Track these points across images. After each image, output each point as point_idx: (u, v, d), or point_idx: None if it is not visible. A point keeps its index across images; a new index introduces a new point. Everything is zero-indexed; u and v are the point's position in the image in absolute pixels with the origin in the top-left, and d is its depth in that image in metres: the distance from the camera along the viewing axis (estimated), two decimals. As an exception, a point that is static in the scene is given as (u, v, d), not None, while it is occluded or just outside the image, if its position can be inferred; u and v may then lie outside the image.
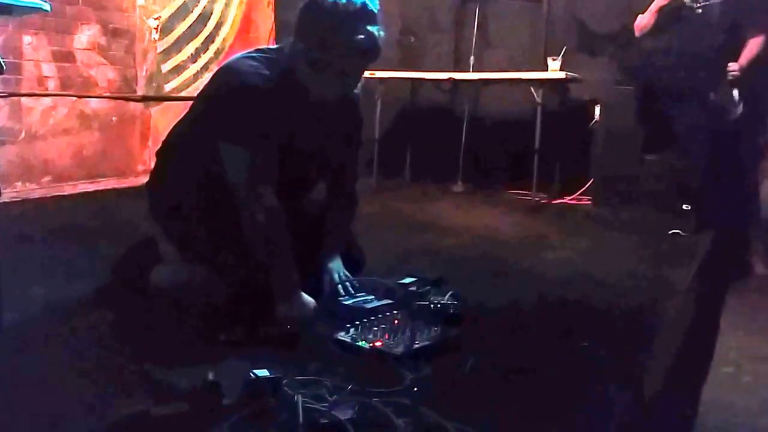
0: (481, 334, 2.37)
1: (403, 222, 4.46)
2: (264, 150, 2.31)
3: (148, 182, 2.66)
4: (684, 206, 4.50)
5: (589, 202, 5.42)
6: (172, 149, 2.59)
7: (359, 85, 2.54)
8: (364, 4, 2.26)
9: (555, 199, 5.56)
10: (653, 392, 2.42)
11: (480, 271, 3.29)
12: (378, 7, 2.30)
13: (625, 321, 2.67)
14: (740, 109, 4.22)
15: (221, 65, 2.48)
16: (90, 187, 5.25)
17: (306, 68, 2.33)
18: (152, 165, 2.72)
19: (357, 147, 2.76)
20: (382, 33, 2.30)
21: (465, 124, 6.07)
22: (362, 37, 2.25)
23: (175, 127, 2.63)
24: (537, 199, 5.46)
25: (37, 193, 4.90)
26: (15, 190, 4.79)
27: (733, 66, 4.26)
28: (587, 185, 5.43)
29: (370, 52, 2.32)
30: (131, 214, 3.54)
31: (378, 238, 3.37)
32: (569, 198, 5.55)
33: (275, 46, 2.49)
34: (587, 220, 4.93)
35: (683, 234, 4.26)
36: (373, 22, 2.27)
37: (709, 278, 3.68)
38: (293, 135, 2.43)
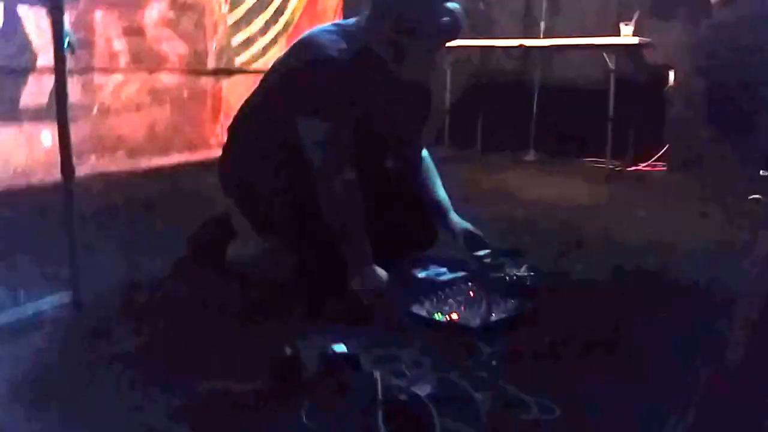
0: (558, 306, 2.33)
1: (475, 192, 4.41)
2: (343, 123, 2.30)
3: (220, 158, 2.67)
4: (762, 171, 4.34)
5: (665, 168, 5.29)
6: (245, 124, 2.58)
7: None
8: None
9: (630, 167, 5.43)
10: (735, 364, 2.35)
11: (555, 241, 3.23)
12: None
13: (706, 291, 2.60)
14: None
15: (299, 38, 2.47)
16: (163, 162, 5.30)
17: (385, 46, 2.32)
18: (224, 140, 2.71)
19: (426, 120, 2.74)
20: (459, 8, 2.27)
21: (536, 92, 5.97)
22: (446, 18, 2.24)
23: (247, 101, 2.63)
24: (611, 166, 5.36)
25: (112, 168, 4.96)
26: (89, 165, 4.87)
27: None
28: (662, 151, 5.29)
29: (453, 31, 2.31)
30: (205, 188, 3.57)
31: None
32: (644, 165, 5.41)
33: (352, 21, 2.46)
34: (663, 187, 4.82)
35: (764, 199, 4.12)
36: None
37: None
38: (369, 109, 2.41)
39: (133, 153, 5.23)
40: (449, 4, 2.25)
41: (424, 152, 2.77)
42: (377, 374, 1.63)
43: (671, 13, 5.37)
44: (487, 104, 6.24)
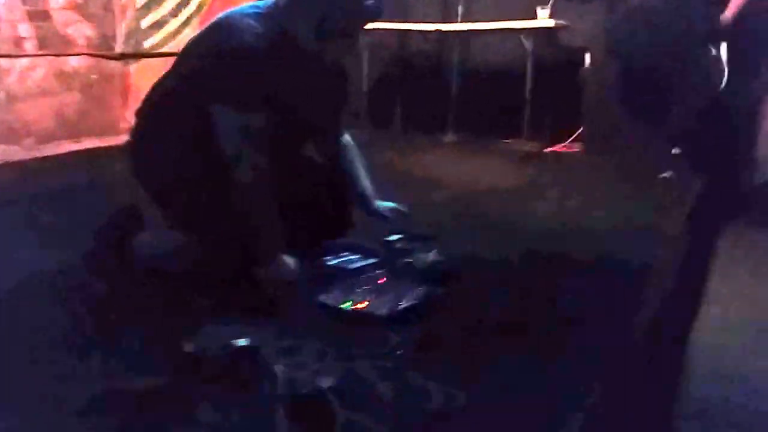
0: (469, 291, 2.33)
1: (392, 175, 4.38)
2: (257, 112, 2.23)
3: (128, 143, 2.58)
4: (674, 150, 4.43)
5: (581, 149, 5.35)
6: (155, 108, 2.49)
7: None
8: None
9: (546, 148, 5.48)
10: (643, 336, 2.41)
11: (468, 224, 3.23)
12: None
13: (619, 269, 2.64)
14: (726, 73, 4.11)
15: (214, 20, 2.38)
16: (73, 147, 5.15)
17: (305, 29, 2.27)
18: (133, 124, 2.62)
19: (343, 106, 2.70)
20: None
21: (455, 74, 5.97)
22: (369, 1, 2.21)
23: (156, 85, 2.52)
24: (527, 148, 5.40)
25: (20, 156, 4.80)
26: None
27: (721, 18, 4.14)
28: (577, 133, 5.36)
29: (375, 14, 2.30)
30: (115, 175, 3.47)
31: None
32: (560, 146, 5.47)
33: (271, 1, 2.37)
34: (578, 168, 4.88)
35: (673, 178, 4.22)
36: None
37: (701, 220, 3.65)
38: (286, 95, 2.34)
39: (42, 139, 5.08)
40: None
41: (349, 139, 2.72)
42: (279, 367, 1.60)
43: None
44: (406, 86, 6.23)
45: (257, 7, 2.37)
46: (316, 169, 2.68)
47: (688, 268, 3.17)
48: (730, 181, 4.09)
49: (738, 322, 2.73)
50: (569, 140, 5.42)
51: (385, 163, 4.67)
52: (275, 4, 2.34)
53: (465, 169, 4.77)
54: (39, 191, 3.73)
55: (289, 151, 2.55)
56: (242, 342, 1.69)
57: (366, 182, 2.67)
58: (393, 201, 2.67)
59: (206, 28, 2.41)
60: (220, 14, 2.40)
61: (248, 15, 2.30)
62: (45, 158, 4.80)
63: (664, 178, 4.24)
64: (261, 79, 2.22)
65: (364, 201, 2.65)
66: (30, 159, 4.72)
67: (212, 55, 2.27)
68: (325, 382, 1.58)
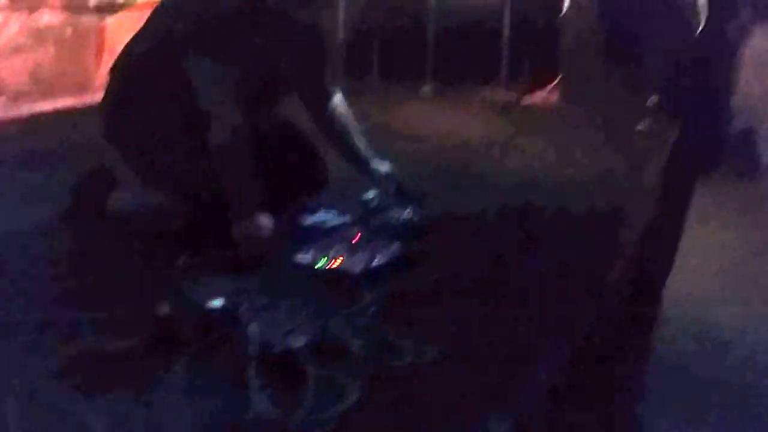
0: (444, 247, 2.35)
1: (370, 127, 4.37)
2: (231, 62, 2.23)
3: (101, 102, 2.57)
4: (649, 102, 4.43)
5: (558, 99, 5.34)
6: (129, 66, 2.47)
7: None
8: None
9: (524, 98, 5.45)
10: (619, 288, 2.45)
11: (448, 177, 3.24)
12: None
13: (595, 221, 2.67)
14: (702, 17, 4.10)
15: None
16: (48, 106, 5.09)
17: None
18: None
19: (323, 63, 2.68)
20: None
21: (432, 23, 5.90)
22: None
23: (130, 42, 2.50)
24: (506, 99, 5.36)
25: (-5, 115, 4.76)
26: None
27: None
28: (555, 82, 5.34)
29: None
30: (90, 134, 3.44)
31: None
32: (538, 96, 5.44)
33: None
34: (555, 119, 4.87)
35: (650, 129, 4.24)
36: None
37: (677, 170, 3.68)
38: (263, 50, 2.34)
39: (16, 98, 5.03)
40: None
41: (340, 99, 2.70)
42: (252, 327, 1.63)
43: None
44: (383, 35, 6.16)
45: None
46: (292, 128, 2.69)
47: (663, 219, 3.20)
48: (706, 129, 4.11)
49: (710, 271, 2.79)
50: (547, 90, 5.41)
51: (362, 115, 4.66)
52: None
53: (443, 120, 4.75)
54: (12, 151, 3.71)
55: (266, 110, 2.56)
56: (216, 303, 1.71)
57: (359, 142, 2.67)
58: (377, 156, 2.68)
59: None
60: None
61: None
62: (18, 117, 4.76)
63: (641, 129, 4.26)
64: (236, 32, 2.23)
65: (358, 161, 2.65)
66: (3, 118, 4.68)
67: (188, 8, 2.27)
68: (298, 341, 1.61)
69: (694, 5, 4.12)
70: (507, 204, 2.84)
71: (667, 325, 2.54)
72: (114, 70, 2.54)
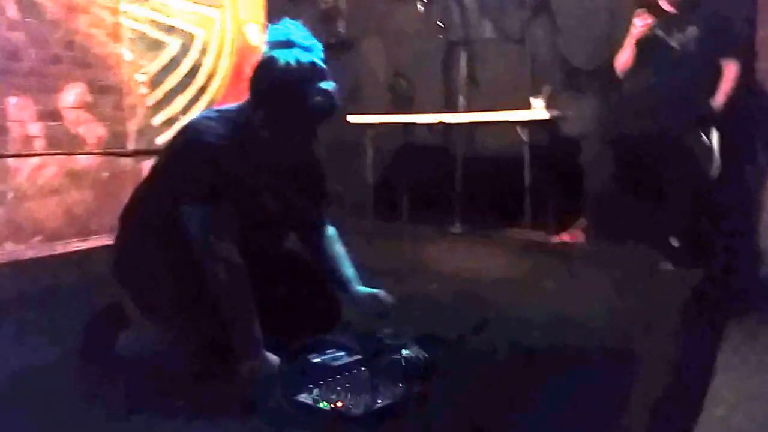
0: (450, 389, 2.32)
1: (398, 267, 4.39)
2: (221, 207, 2.30)
3: (113, 247, 2.65)
4: (673, 242, 4.40)
5: (582, 240, 5.33)
6: (134, 210, 2.58)
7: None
8: (313, 63, 2.29)
9: (551, 238, 5.46)
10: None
11: (462, 320, 3.21)
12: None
13: (616, 364, 2.61)
14: (717, 162, 4.15)
15: (183, 126, 2.48)
16: (82, 245, 5.24)
17: (265, 128, 2.35)
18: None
19: (322, 198, 2.75)
20: (334, 86, 2.31)
21: (459, 165, 6.01)
22: (319, 97, 2.28)
23: (137, 188, 2.63)
24: (532, 237, 5.41)
25: (29, 254, 4.88)
26: (5, 251, 4.80)
27: (712, 104, 4.18)
28: (579, 223, 5.35)
29: (327, 111, 2.34)
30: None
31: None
32: (564, 236, 5.45)
33: (236, 105, 2.49)
34: (579, 259, 4.84)
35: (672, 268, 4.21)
36: (325, 78, 2.30)
37: (701, 314, 3.61)
38: (254, 190, 2.42)
39: (51, 237, 5.17)
40: (323, 84, 2.30)
41: (331, 230, 2.77)
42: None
43: (583, 86, 5.50)
44: (411, 178, 6.29)
45: (220, 110, 2.49)
46: (302, 264, 2.72)
47: (688, 365, 3.11)
48: (731, 272, 4.06)
49: (743, 422, 2.67)
50: (572, 230, 5.42)
51: (391, 254, 4.70)
52: (239, 108, 2.45)
53: (468, 260, 4.78)
54: (43, 289, 3.79)
55: (269, 246, 2.60)
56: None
57: (345, 267, 2.71)
58: (392, 293, 2.69)
59: (174, 134, 2.51)
60: (187, 121, 2.51)
61: (210, 117, 2.42)
62: (52, 256, 4.87)
63: (664, 269, 4.22)
64: (221, 175, 2.30)
65: (343, 285, 2.68)
66: (38, 257, 4.80)
67: (175, 156, 2.40)
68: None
69: (709, 148, 4.16)
70: (525, 344, 2.82)
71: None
72: (122, 216, 2.63)
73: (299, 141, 2.45)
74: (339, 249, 2.75)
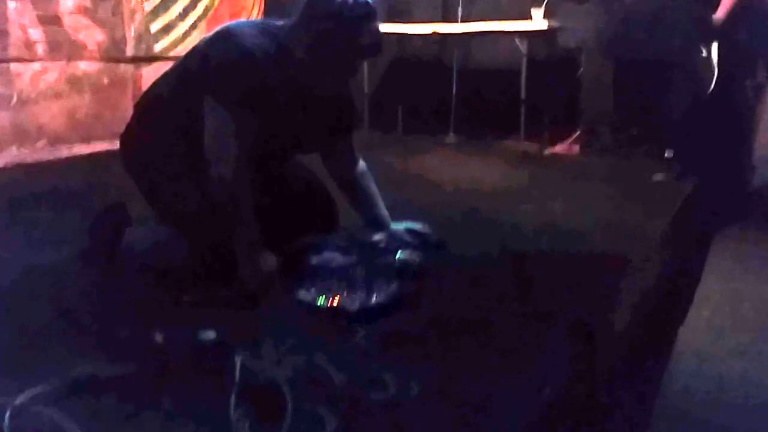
0: (444, 289, 2.41)
1: (394, 176, 4.45)
2: (248, 118, 2.30)
3: (123, 133, 2.66)
4: (666, 153, 4.47)
5: (577, 151, 5.40)
6: (153, 101, 2.59)
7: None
8: (367, 3, 2.29)
9: (545, 149, 5.53)
10: (630, 339, 2.47)
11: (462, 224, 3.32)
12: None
13: (606, 271, 2.69)
14: (715, 74, 4.16)
15: (223, 27, 2.46)
16: (85, 150, 5.29)
17: (307, 55, 2.36)
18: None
19: (349, 129, 2.76)
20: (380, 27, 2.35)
21: (455, 76, 6.03)
22: (369, 38, 2.31)
23: (159, 80, 2.63)
24: (526, 149, 5.49)
25: (33, 158, 4.95)
26: (10, 155, 4.87)
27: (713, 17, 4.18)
28: (574, 135, 5.41)
29: (373, 53, 2.40)
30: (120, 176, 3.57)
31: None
32: (559, 147, 5.52)
33: (282, 22, 2.46)
34: (573, 169, 4.92)
35: (666, 180, 4.29)
36: (376, 19, 2.32)
37: (693, 223, 3.70)
38: (279, 106, 2.41)
39: (55, 142, 5.23)
40: (373, 25, 2.31)
41: (362, 166, 2.79)
42: (237, 359, 1.70)
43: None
44: (407, 88, 6.30)
45: (264, 23, 2.50)
46: (306, 170, 2.79)
47: (679, 270, 3.21)
48: (723, 184, 4.14)
49: (725, 321, 2.78)
50: (567, 142, 5.48)
51: (387, 165, 4.76)
52: (282, 26, 2.44)
53: (462, 170, 4.85)
54: (48, 191, 3.86)
55: (278, 160, 2.65)
56: (209, 335, 1.79)
57: (380, 208, 2.77)
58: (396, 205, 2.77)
59: (212, 34, 2.49)
60: (228, 23, 2.51)
61: (254, 27, 2.42)
62: (56, 160, 4.96)
63: (657, 181, 4.30)
64: (255, 85, 2.30)
65: (379, 224, 2.75)
66: (42, 161, 4.88)
67: (214, 57, 2.35)
68: (282, 373, 1.67)
69: (708, 61, 4.18)
70: (517, 250, 2.90)
71: (678, 377, 2.52)
72: (138, 105, 2.67)
73: (340, 74, 2.48)
74: (372, 188, 2.78)
